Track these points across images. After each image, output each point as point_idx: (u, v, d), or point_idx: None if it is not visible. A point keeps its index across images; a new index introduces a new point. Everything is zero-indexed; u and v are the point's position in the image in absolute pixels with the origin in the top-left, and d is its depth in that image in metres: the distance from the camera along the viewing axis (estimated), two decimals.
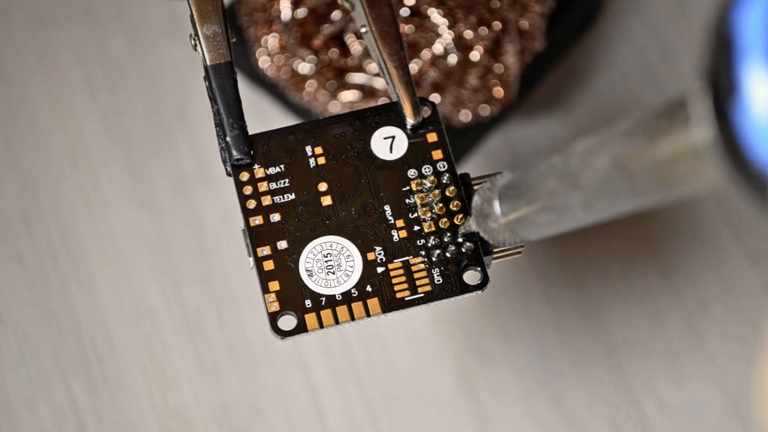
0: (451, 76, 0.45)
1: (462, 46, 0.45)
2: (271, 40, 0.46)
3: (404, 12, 0.45)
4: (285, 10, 0.46)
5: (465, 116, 0.46)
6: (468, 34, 0.45)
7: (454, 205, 0.32)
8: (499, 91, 0.46)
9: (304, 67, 0.46)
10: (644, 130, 0.23)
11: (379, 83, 0.46)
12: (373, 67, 0.46)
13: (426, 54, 0.45)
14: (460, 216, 0.31)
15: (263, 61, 0.47)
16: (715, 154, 0.20)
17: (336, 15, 0.46)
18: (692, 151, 0.21)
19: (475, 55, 0.45)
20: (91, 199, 0.48)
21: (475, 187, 0.32)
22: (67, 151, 0.49)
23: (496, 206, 0.29)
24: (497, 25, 0.45)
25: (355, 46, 0.46)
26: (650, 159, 0.22)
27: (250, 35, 0.47)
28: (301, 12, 0.46)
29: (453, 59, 0.45)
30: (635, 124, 0.23)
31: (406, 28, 0.45)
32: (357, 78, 0.46)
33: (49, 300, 0.47)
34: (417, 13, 0.45)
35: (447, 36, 0.45)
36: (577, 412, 0.45)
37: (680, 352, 0.45)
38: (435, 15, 0.45)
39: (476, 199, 0.30)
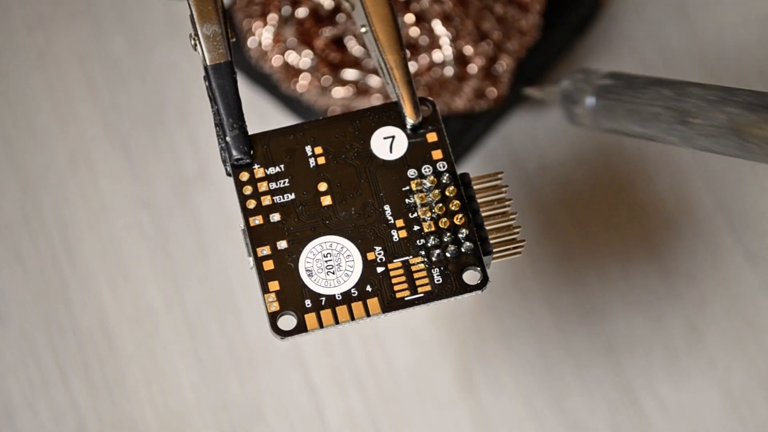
0: (446, 85, 0.45)
1: (460, 59, 0.45)
2: (266, 34, 0.46)
3: (409, 18, 0.46)
4: (285, 8, 0.46)
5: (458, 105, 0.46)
6: (468, 50, 0.45)
7: (453, 205, 0.32)
8: (492, 92, 0.46)
9: (304, 63, 0.46)
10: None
11: (373, 81, 0.46)
12: (367, 62, 0.46)
13: (424, 58, 0.45)
14: (460, 216, 0.31)
15: (255, 52, 0.47)
16: None
17: (340, 17, 0.46)
18: None
19: (473, 68, 0.45)
20: (91, 199, 0.48)
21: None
22: (67, 151, 0.49)
23: (589, 99, 0.33)
24: (497, 34, 0.45)
25: (354, 49, 0.46)
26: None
27: (244, 27, 0.47)
28: (302, 11, 0.46)
29: (449, 71, 0.45)
30: (758, 100, 0.28)
31: (409, 31, 0.45)
32: (352, 74, 0.46)
33: (49, 300, 0.47)
34: (421, 20, 0.46)
35: (448, 49, 0.45)
36: (577, 412, 0.45)
37: (680, 352, 0.45)
38: (439, 27, 0.45)
39: (567, 84, 0.35)
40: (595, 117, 0.34)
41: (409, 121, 0.32)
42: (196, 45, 0.33)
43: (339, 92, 0.46)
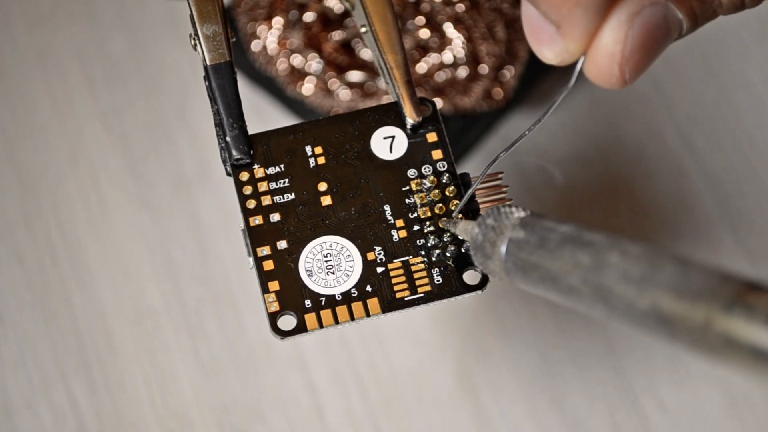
0: (456, 85, 0.45)
1: (472, 60, 0.45)
2: (270, 38, 0.46)
3: (419, 20, 0.46)
4: (292, 12, 0.46)
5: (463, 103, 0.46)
6: (479, 51, 0.45)
7: (453, 205, 0.32)
8: (498, 93, 0.46)
9: (310, 66, 0.46)
10: (699, 298, 0.22)
11: (381, 83, 0.46)
12: (374, 65, 0.46)
13: (436, 58, 0.45)
14: (460, 216, 0.31)
15: (259, 55, 0.47)
16: None
17: (349, 22, 0.46)
18: (760, 350, 0.21)
19: (484, 68, 0.45)
20: (91, 199, 0.48)
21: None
22: (67, 151, 0.49)
23: (501, 254, 0.28)
24: (506, 34, 0.45)
25: (362, 52, 0.46)
26: (699, 329, 0.22)
27: (248, 30, 0.47)
28: (310, 15, 0.46)
29: (462, 72, 0.45)
30: (686, 281, 0.23)
31: (419, 32, 0.46)
32: (357, 77, 0.46)
33: (49, 300, 0.47)
34: (431, 23, 0.46)
35: (460, 50, 0.45)
36: (577, 413, 0.45)
37: (680, 352, 0.45)
38: (450, 30, 0.45)
39: (477, 234, 0.29)
40: (510, 277, 0.28)
41: (409, 121, 0.32)
42: (196, 45, 0.33)
43: (346, 95, 0.46)
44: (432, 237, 0.31)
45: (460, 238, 0.31)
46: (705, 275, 0.22)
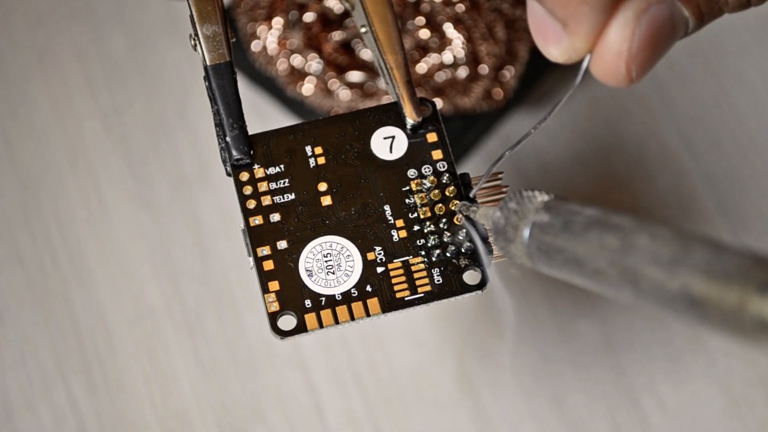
0: (456, 85, 0.45)
1: (472, 60, 0.45)
2: (270, 38, 0.46)
3: (419, 21, 0.46)
4: (292, 12, 0.46)
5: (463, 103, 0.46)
6: (479, 51, 0.45)
7: (453, 205, 0.32)
8: (498, 93, 0.46)
9: (310, 67, 0.46)
10: (732, 280, 0.22)
11: (381, 83, 0.46)
12: (374, 65, 0.46)
13: (436, 59, 0.45)
14: (460, 216, 0.31)
15: (259, 55, 0.47)
16: None
17: (349, 22, 0.46)
18: None
19: (484, 69, 0.45)
20: (91, 199, 0.48)
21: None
22: (67, 151, 0.49)
23: (524, 238, 0.27)
24: (506, 34, 0.45)
25: (362, 52, 0.46)
26: (733, 312, 0.21)
27: (248, 30, 0.47)
28: (310, 15, 0.46)
29: (462, 72, 0.45)
30: (718, 262, 0.22)
31: (419, 33, 0.46)
32: (357, 77, 0.46)
33: (49, 300, 0.47)
34: (431, 23, 0.46)
35: (460, 51, 0.45)
36: (577, 413, 0.45)
37: (680, 352, 0.45)
38: (450, 30, 0.45)
39: (499, 217, 0.28)
40: (533, 262, 0.28)
41: (409, 121, 0.32)
42: (196, 45, 0.33)
43: (346, 95, 0.46)
44: (432, 237, 0.31)
45: (481, 222, 0.30)
46: (737, 257, 0.22)
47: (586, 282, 0.26)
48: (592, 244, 0.25)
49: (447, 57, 0.45)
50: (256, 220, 0.32)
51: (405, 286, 0.31)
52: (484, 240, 0.32)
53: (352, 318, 0.31)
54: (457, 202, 0.31)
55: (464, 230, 0.31)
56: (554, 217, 0.27)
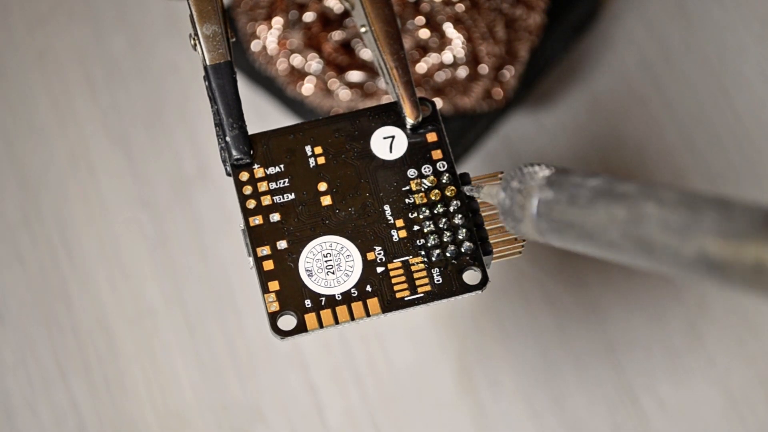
0: (456, 85, 0.45)
1: (472, 59, 0.45)
2: (270, 38, 0.46)
3: (419, 21, 0.46)
4: (292, 12, 0.46)
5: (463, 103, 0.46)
6: (479, 50, 0.45)
7: (453, 205, 0.32)
8: (498, 93, 0.46)
9: (310, 66, 0.46)
10: (747, 238, 0.21)
11: (381, 83, 0.46)
12: (374, 65, 0.46)
13: (436, 58, 0.45)
14: (460, 216, 0.31)
15: (259, 55, 0.47)
16: None
17: (348, 22, 0.46)
18: None
19: (484, 68, 0.45)
20: (91, 199, 0.48)
21: (499, 176, 0.31)
22: (67, 151, 0.49)
23: (533, 216, 0.27)
24: (506, 34, 0.45)
25: (362, 52, 0.46)
26: (753, 270, 0.21)
27: (247, 30, 0.47)
28: (309, 15, 0.46)
29: (462, 72, 0.45)
30: (730, 222, 0.22)
31: (419, 32, 0.46)
32: (357, 77, 0.46)
33: (49, 300, 0.47)
34: (430, 23, 0.46)
35: (460, 50, 0.45)
36: (577, 412, 0.45)
37: (680, 352, 0.45)
38: (450, 30, 0.45)
39: (504, 198, 0.28)
40: (545, 238, 0.27)
41: (409, 121, 0.32)
42: (196, 45, 0.33)
43: (346, 95, 0.46)
44: (432, 237, 0.31)
45: (488, 202, 0.30)
46: (749, 213, 0.21)
47: (602, 253, 0.25)
48: (600, 217, 0.25)
49: (447, 57, 0.45)
50: (256, 220, 0.32)
51: (405, 286, 0.31)
52: (483, 240, 0.31)
53: (352, 318, 0.31)
54: (469, 186, 0.31)
55: (464, 230, 0.31)
56: (559, 192, 0.26)
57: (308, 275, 0.31)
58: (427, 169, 0.32)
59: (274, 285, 0.31)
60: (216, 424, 0.45)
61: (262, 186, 0.32)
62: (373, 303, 0.31)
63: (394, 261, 0.31)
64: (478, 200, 0.31)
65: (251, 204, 0.32)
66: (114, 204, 0.48)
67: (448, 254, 0.31)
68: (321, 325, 0.30)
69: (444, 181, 0.32)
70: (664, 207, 0.23)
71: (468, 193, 0.31)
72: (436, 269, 0.31)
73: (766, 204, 0.22)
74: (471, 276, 0.31)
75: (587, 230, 0.25)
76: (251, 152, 0.32)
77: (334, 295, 0.31)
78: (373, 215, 0.32)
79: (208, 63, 0.32)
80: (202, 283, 0.47)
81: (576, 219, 0.26)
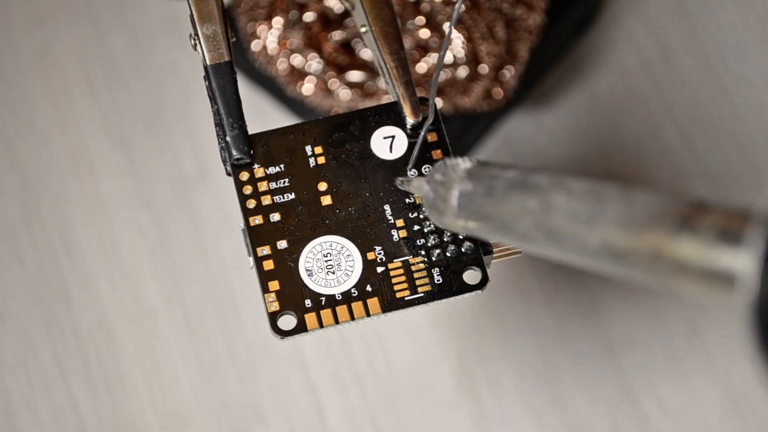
0: (456, 85, 0.45)
1: (472, 59, 0.45)
2: (270, 37, 0.46)
3: (419, 20, 0.46)
4: (292, 12, 0.46)
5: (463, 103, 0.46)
6: (479, 50, 0.45)
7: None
8: (498, 93, 0.46)
9: (310, 66, 0.46)
10: (646, 229, 0.21)
11: (381, 82, 0.46)
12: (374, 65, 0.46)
13: (436, 58, 0.45)
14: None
15: (259, 55, 0.47)
16: (750, 289, 0.18)
17: (348, 22, 0.46)
18: (710, 270, 0.20)
19: (484, 68, 0.45)
20: (91, 199, 0.48)
21: (423, 170, 0.31)
22: (67, 151, 0.49)
23: (454, 208, 0.27)
24: (506, 34, 0.45)
25: (362, 52, 0.46)
26: (651, 260, 0.21)
27: (248, 29, 0.47)
28: (310, 15, 0.46)
29: (462, 72, 0.45)
30: (632, 212, 0.22)
31: (419, 32, 0.46)
32: (357, 76, 0.46)
33: (49, 300, 0.47)
34: (431, 23, 0.46)
35: (460, 50, 0.45)
36: (577, 412, 0.45)
37: (680, 352, 0.45)
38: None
39: (428, 191, 0.28)
40: (468, 230, 0.28)
41: (409, 121, 0.32)
42: (196, 45, 0.33)
43: (346, 95, 0.46)
44: (432, 237, 0.31)
45: (415, 195, 0.30)
46: (649, 204, 0.22)
47: (518, 244, 0.26)
48: (514, 208, 0.25)
49: (447, 57, 0.45)
50: (256, 220, 0.32)
51: (405, 285, 0.31)
52: (483, 240, 0.32)
53: (352, 318, 0.31)
54: (400, 179, 0.32)
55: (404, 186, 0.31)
56: (477, 184, 0.27)
57: (308, 275, 0.31)
58: (427, 169, 0.32)
59: (274, 285, 0.31)
60: (216, 424, 0.45)
61: (262, 186, 0.32)
62: (373, 303, 0.31)
63: (394, 261, 0.31)
64: (409, 191, 0.31)
65: (251, 204, 0.32)
66: (114, 204, 0.48)
67: (448, 254, 0.31)
68: (321, 325, 0.30)
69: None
70: (572, 197, 0.23)
71: (399, 187, 0.31)
72: (436, 269, 0.31)
73: (666, 193, 0.22)
74: (471, 276, 0.31)
75: (503, 221, 0.25)
76: (251, 152, 0.32)
77: (334, 295, 0.31)
78: (373, 215, 0.32)
79: (208, 63, 0.32)
80: (202, 283, 0.47)
81: (493, 210, 0.26)
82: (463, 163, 0.28)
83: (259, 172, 0.32)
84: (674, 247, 0.21)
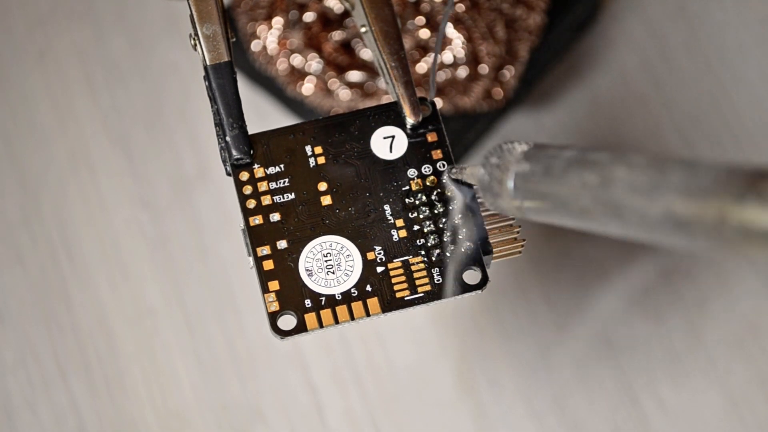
0: (456, 85, 0.45)
1: (472, 59, 0.45)
2: (270, 38, 0.46)
3: (419, 21, 0.46)
4: (292, 12, 0.46)
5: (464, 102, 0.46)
6: (479, 51, 0.45)
7: (453, 205, 0.32)
8: (498, 92, 0.46)
9: (310, 66, 0.46)
10: (710, 195, 0.22)
11: (381, 83, 0.46)
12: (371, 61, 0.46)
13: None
14: (460, 215, 0.31)
15: (259, 55, 0.47)
16: None
17: (348, 22, 0.46)
18: None
19: (484, 68, 0.45)
20: (91, 199, 0.48)
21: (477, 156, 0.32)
22: (67, 151, 0.49)
23: (510, 190, 0.28)
24: (506, 34, 0.45)
25: (362, 52, 0.46)
26: (715, 226, 0.21)
27: (248, 30, 0.47)
28: (310, 15, 0.46)
29: (462, 72, 0.45)
30: (694, 180, 0.22)
31: (419, 32, 0.46)
32: (357, 76, 0.46)
33: (49, 300, 0.47)
34: (430, 23, 0.46)
35: (460, 50, 0.45)
36: (577, 412, 0.45)
37: (680, 352, 0.45)
38: (450, 30, 0.45)
39: (483, 174, 0.29)
40: (523, 212, 0.28)
41: (409, 121, 0.32)
42: (196, 45, 0.33)
43: (346, 95, 0.46)
44: (432, 237, 0.31)
45: (469, 183, 0.31)
46: (713, 172, 0.22)
47: (575, 222, 0.26)
48: (573, 184, 0.25)
49: (447, 57, 0.45)
50: (256, 220, 0.32)
51: (405, 285, 0.31)
52: (483, 240, 0.31)
53: (352, 318, 0.31)
54: (453, 169, 0.32)
55: (464, 229, 0.31)
56: (535, 165, 0.27)
57: (308, 275, 0.31)
58: (427, 169, 0.32)
59: (274, 285, 0.31)
60: (216, 424, 0.45)
61: (262, 186, 0.32)
62: (373, 303, 0.31)
63: (394, 261, 0.31)
64: (462, 178, 0.31)
65: (251, 204, 0.32)
66: (114, 204, 0.48)
67: (448, 254, 0.31)
68: (321, 325, 0.30)
69: (444, 181, 0.32)
70: (633, 170, 0.24)
71: (453, 177, 0.32)
72: (436, 269, 0.31)
73: (731, 162, 0.22)
74: (471, 276, 0.31)
75: (561, 198, 0.26)
76: (251, 152, 0.32)
77: (334, 295, 0.31)
78: (373, 215, 0.32)
79: (208, 63, 0.32)
80: (202, 283, 0.47)
81: (550, 189, 0.26)
82: (520, 146, 0.28)
83: (259, 172, 0.32)
84: (740, 211, 0.21)
